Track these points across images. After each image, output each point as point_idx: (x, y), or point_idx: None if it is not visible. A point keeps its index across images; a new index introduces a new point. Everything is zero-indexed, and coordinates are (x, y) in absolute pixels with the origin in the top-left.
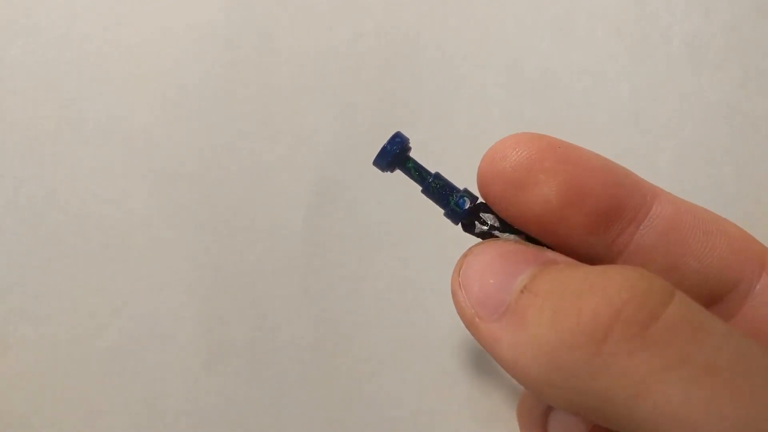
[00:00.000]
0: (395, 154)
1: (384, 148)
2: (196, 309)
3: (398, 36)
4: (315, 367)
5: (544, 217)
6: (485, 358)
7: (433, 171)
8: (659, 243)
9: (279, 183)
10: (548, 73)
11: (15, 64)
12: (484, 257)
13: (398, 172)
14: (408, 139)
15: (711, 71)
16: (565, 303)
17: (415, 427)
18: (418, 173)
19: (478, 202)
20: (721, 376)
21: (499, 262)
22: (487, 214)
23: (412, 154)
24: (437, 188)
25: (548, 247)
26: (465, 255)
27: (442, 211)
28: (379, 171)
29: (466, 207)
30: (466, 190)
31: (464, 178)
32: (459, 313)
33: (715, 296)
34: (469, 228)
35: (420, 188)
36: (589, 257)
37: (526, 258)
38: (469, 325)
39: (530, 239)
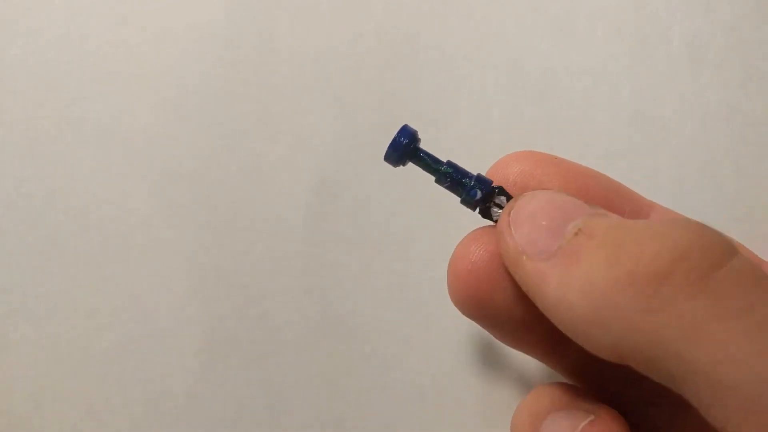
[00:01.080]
0: (406, 147)
1: (394, 142)
2: (196, 309)
3: (398, 36)
4: (315, 366)
5: None
6: (486, 359)
7: (444, 159)
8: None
9: (279, 183)
10: (548, 73)
11: (15, 64)
12: (538, 201)
13: (409, 166)
14: (416, 131)
15: (711, 71)
16: (625, 244)
17: (416, 426)
18: (430, 163)
19: (494, 185)
20: None
21: (552, 207)
22: (502, 197)
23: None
24: (451, 176)
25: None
26: (516, 198)
27: (444, 208)
28: (390, 166)
29: (478, 197)
30: (479, 176)
31: None
32: (504, 252)
33: None
34: (486, 213)
35: (433, 178)
36: None
37: (579, 207)
38: (514, 264)
39: None
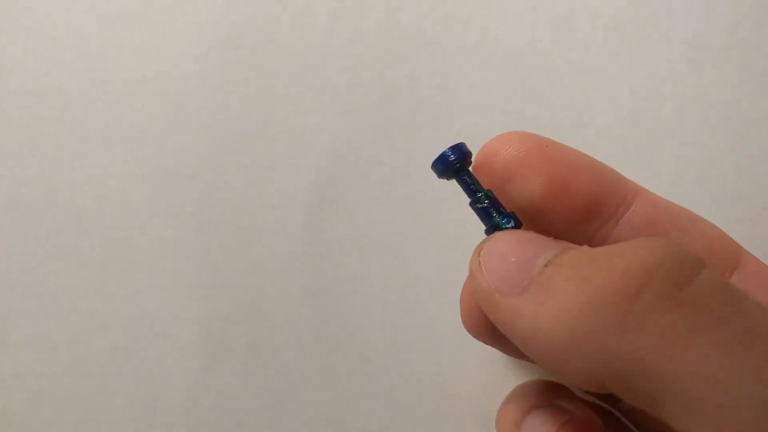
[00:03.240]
0: (451, 163)
1: (442, 155)
2: (196, 309)
3: (398, 35)
4: (315, 366)
5: (530, 209)
6: (486, 358)
7: (485, 188)
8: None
9: (279, 183)
10: (548, 73)
11: (15, 64)
12: (506, 239)
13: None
14: (470, 153)
15: (711, 71)
16: (594, 266)
17: (416, 427)
18: (471, 187)
19: (522, 227)
20: (761, 340)
21: (521, 244)
22: None
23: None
24: (486, 205)
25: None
26: (485, 239)
27: (445, 208)
28: (394, 169)
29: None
30: (513, 213)
31: None
32: (477, 291)
33: None
34: None
35: (469, 200)
36: None
37: (547, 242)
38: (488, 302)
39: None
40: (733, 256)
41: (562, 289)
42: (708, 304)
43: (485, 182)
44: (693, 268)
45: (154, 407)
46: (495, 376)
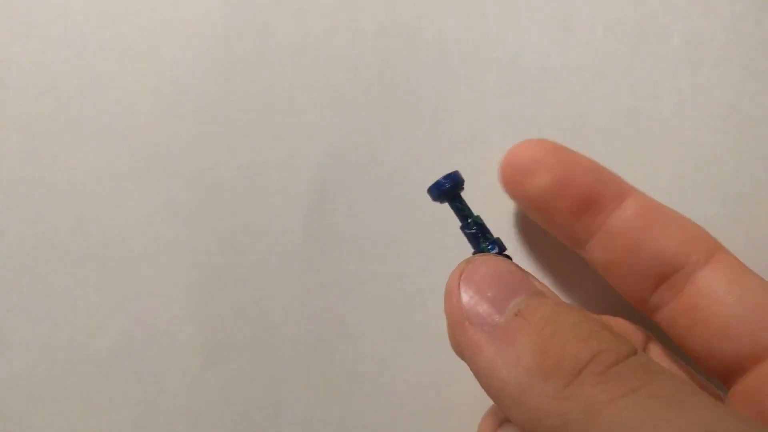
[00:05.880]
0: (446, 189)
1: (437, 183)
2: (196, 309)
3: (398, 34)
4: (315, 366)
5: (540, 198)
6: None
7: (475, 213)
8: (625, 228)
9: (279, 183)
10: (548, 73)
11: (15, 64)
12: (487, 269)
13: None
14: (463, 181)
15: (710, 69)
16: (554, 339)
17: (415, 426)
18: (461, 212)
19: (505, 252)
20: (661, 401)
21: (498, 278)
22: None
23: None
24: (474, 230)
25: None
26: (468, 261)
27: (444, 208)
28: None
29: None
30: (498, 239)
31: (465, 175)
32: (449, 312)
33: (666, 274)
34: None
35: (460, 225)
36: (569, 234)
37: (521, 281)
38: (457, 326)
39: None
40: (710, 250)
41: (523, 348)
42: (626, 378)
43: (506, 177)
44: (626, 353)
45: (154, 406)
46: None
